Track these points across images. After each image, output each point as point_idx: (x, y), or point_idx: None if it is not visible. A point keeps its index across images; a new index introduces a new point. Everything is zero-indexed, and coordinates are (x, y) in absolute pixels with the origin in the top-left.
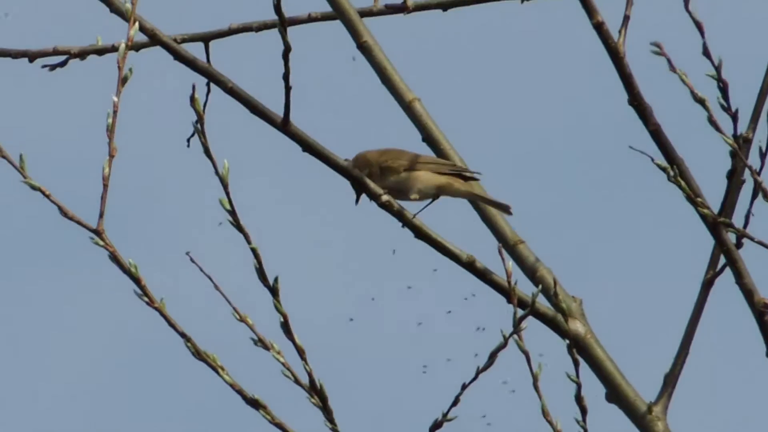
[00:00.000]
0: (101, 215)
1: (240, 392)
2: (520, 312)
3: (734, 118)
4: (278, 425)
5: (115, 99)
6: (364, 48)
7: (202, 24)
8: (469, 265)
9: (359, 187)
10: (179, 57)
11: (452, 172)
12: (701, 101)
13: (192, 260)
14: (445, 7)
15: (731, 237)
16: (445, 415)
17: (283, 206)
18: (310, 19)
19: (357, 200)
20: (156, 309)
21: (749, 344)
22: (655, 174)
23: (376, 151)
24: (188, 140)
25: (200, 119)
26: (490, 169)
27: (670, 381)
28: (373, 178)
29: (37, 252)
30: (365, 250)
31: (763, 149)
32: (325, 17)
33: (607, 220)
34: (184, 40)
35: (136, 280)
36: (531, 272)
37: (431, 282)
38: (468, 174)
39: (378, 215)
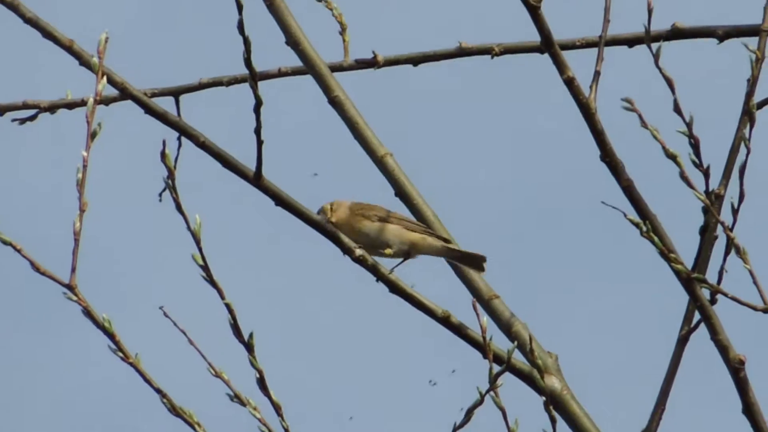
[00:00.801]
0: (73, 270)
1: None
2: (496, 368)
3: (706, 174)
4: None
5: (85, 154)
6: (335, 102)
7: (172, 78)
8: (445, 321)
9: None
10: (150, 111)
11: (425, 232)
12: (673, 157)
13: (166, 315)
14: (415, 62)
15: (705, 293)
16: None
17: (257, 260)
18: (281, 74)
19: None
20: (131, 364)
21: (725, 400)
22: (629, 229)
23: (351, 201)
24: (160, 194)
25: (171, 174)
26: (462, 224)
27: None
28: (346, 226)
29: (8, 307)
30: (339, 304)
31: (735, 205)
32: (295, 72)
33: (581, 275)
34: (154, 94)
35: (111, 335)
36: (506, 327)
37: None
38: (440, 237)
39: (351, 271)
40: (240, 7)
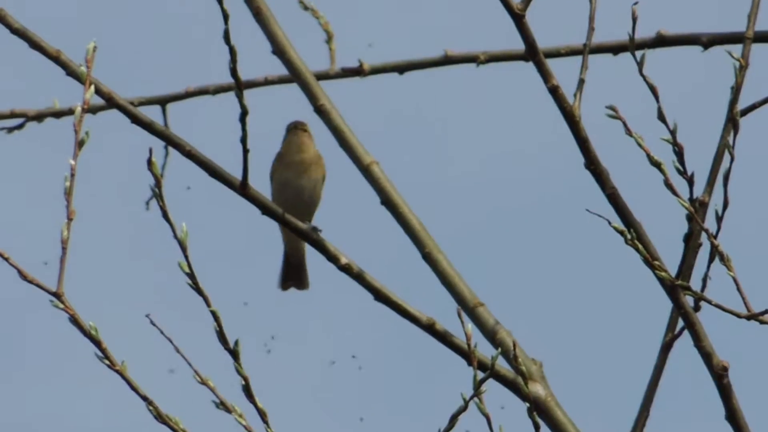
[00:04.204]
0: (60, 278)
1: None
2: (480, 375)
3: (690, 181)
4: None
5: (72, 162)
6: (321, 111)
7: (159, 87)
8: (429, 328)
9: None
10: (136, 120)
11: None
12: (657, 165)
13: (152, 323)
14: (401, 70)
15: (689, 300)
16: None
17: (242, 268)
18: (267, 83)
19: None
20: (117, 372)
21: (709, 407)
22: (613, 237)
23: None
24: (147, 203)
25: (158, 183)
26: (448, 232)
27: None
28: (305, 163)
29: None
30: (324, 312)
31: (720, 213)
32: (281, 80)
33: (565, 282)
34: (141, 103)
35: (97, 343)
36: (491, 335)
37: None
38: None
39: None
40: (226, 17)
